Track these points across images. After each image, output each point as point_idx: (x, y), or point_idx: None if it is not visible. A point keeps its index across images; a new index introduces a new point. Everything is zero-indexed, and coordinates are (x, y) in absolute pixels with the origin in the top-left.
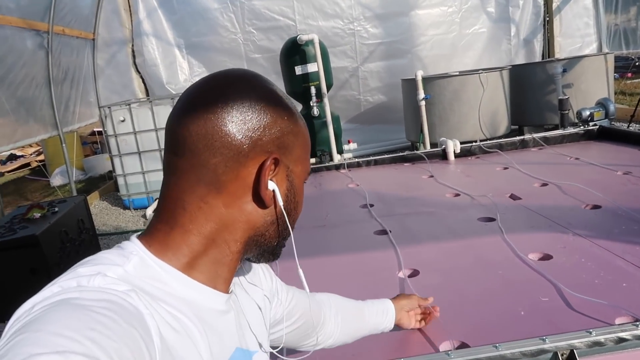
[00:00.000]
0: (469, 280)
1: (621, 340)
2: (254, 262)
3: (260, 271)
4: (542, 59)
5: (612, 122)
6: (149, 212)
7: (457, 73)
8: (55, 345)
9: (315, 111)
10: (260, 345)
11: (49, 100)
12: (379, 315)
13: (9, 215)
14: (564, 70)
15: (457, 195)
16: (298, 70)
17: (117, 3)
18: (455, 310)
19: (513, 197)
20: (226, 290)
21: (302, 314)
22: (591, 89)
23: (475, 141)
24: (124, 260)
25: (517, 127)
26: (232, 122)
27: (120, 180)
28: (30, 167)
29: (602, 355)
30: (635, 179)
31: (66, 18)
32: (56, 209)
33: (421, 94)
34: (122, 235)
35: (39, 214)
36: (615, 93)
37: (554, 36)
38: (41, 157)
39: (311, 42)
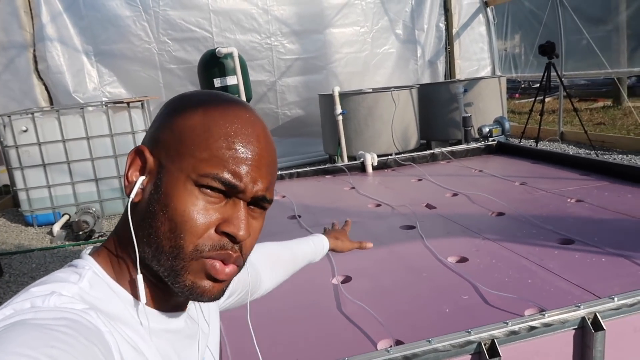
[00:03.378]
0: (397, 284)
1: (532, 328)
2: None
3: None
4: (445, 79)
5: (508, 138)
6: (56, 228)
7: (371, 90)
8: None
9: None
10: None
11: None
12: (312, 254)
13: None
14: (465, 90)
15: (379, 205)
16: (217, 82)
17: (16, 5)
18: (389, 311)
19: (429, 206)
20: (181, 308)
21: (242, 288)
22: (488, 107)
23: (391, 154)
24: (77, 278)
25: (425, 141)
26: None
27: (22, 195)
28: None
29: (518, 343)
30: (530, 189)
31: None
32: None
33: (338, 109)
34: (25, 254)
35: None
36: (507, 112)
37: (455, 59)
38: None
39: (230, 55)
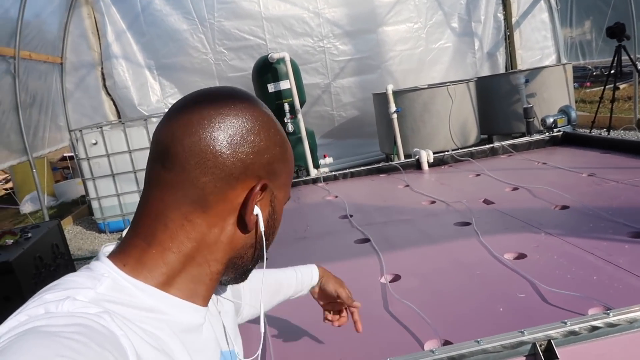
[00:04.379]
0: (448, 282)
1: (594, 328)
2: (224, 284)
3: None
4: (506, 70)
5: (575, 128)
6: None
7: (426, 86)
8: None
9: (290, 127)
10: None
11: (17, 125)
12: (298, 285)
13: None
14: (527, 81)
15: (433, 202)
16: (271, 87)
17: (84, 27)
18: (437, 311)
19: (486, 201)
20: (204, 304)
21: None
22: (553, 97)
23: (448, 151)
24: (94, 283)
25: (486, 136)
26: (228, 143)
27: (95, 204)
28: None
29: (577, 344)
30: (599, 180)
31: (32, 43)
32: (29, 235)
33: (392, 107)
34: None
35: (12, 241)
36: (577, 101)
37: (515, 49)
38: (9, 185)
39: (282, 60)
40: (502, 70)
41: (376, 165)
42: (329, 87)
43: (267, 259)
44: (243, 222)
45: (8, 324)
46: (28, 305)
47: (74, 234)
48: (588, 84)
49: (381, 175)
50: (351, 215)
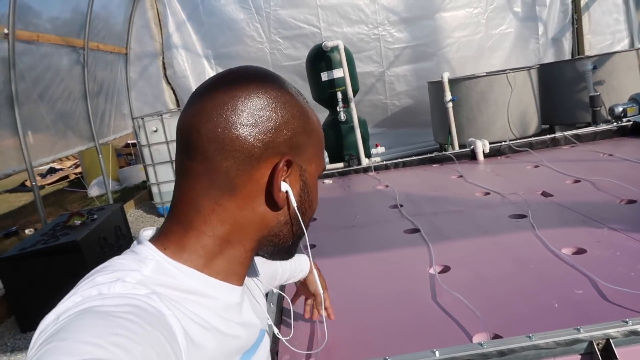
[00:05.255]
0: (500, 276)
1: None
2: (268, 259)
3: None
4: (572, 57)
5: None
6: None
7: (484, 74)
8: (81, 352)
9: (342, 116)
10: (268, 321)
11: (85, 113)
12: (291, 273)
13: (51, 223)
14: (594, 67)
15: (487, 194)
16: (324, 76)
17: (147, 18)
18: (488, 304)
19: (545, 194)
20: (240, 283)
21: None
22: (623, 85)
23: (505, 141)
24: (140, 265)
25: (547, 126)
26: (244, 124)
27: (154, 189)
28: (68, 180)
29: (639, 345)
30: None
31: (100, 34)
32: (95, 217)
33: (448, 96)
34: None
35: (79, 221)
36: None
37: (583, 34)
38: (78, 170)
39: (336, 48)
40: (567, 57)
41: (429, 155)
42: (383, 76)
43: (306, 234)
44: (273, 200)
45: (65, 304)
46: (81, 287)
47: (135, 217)
48: None
49: (434, 165)
50: (401, 205)
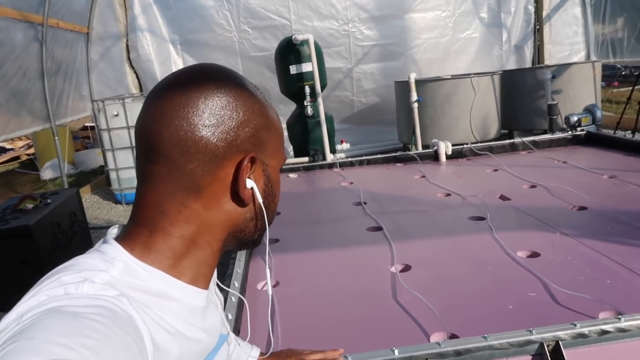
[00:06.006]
0: (459, 276)
1: (604, 332)
2: (235, 250)
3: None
4: (532, 65)
5: (599, 129)
6: None
7: (450, 77)
8: (50, 352)
9: (309, 110)
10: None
11: (41, 93)
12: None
13: (0, 206)
14: (553, 77)
15: (448, 195)
16: (293, 69)
17: None
18: (446, 304)
19: (503, 197)
20: (206, 286)
21: None
22: (579, 95)
23: (467, 143)
24: (108, 266)
25: (507, 131)
26: (206, 125)
27: (113, 175)
28: (19, 161)
29: (586, 347)
30: (620, 183)
31: (61, 11)
32: (49, 201)
33: (414, 96)
34: None
35: (32, 205)
36: (602, 101)
37: (544, 43)
38: (31, 151)
39: (306, 42)
40: (529, 64)
41: (393, 154)
42: (351, 72)
43: (267, 229)
44: (239, 198)
45: (28, 304)
46: (45, 286)
47: (91, 203)
48: (616, 83)
49: (398, 165)
50: (365, 203)
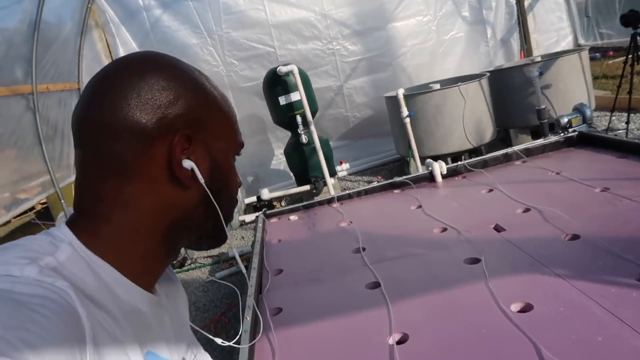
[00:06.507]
0: (455, 345)
1: None
2: (196, 249)
3: (182, 291)
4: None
5: (591, 127)
6: None
7: (438, 86)
8: None
9: (304, 138)
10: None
11: (42, 159)
12: None
13: None
14: (541, 73)
15: (444, 230)
16: (282, 100)
17: (97, 50)
18: None
19: (497, 228)
20: (151, 286)
21: None
22: (569, 87)
23: (462, 157)
24: (54, 249)
25: (503, 129)
26: (130, 105)
27: None
28: (35, 211)
29: None
30: (611, 197)
31: (48, 75)
32: None
33: (404, 112)
34: None
35: None
36: (598, 77)
37: (530, 33)
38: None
39: (291, 72)
40: (517, 57)
41: (390, 181)
42: (341, 89)
43: (221, 214)
44: (178, 180)
45: None
46: None
47: None
48: (611, 52)
49: (395, 192)
50: (364, 249)
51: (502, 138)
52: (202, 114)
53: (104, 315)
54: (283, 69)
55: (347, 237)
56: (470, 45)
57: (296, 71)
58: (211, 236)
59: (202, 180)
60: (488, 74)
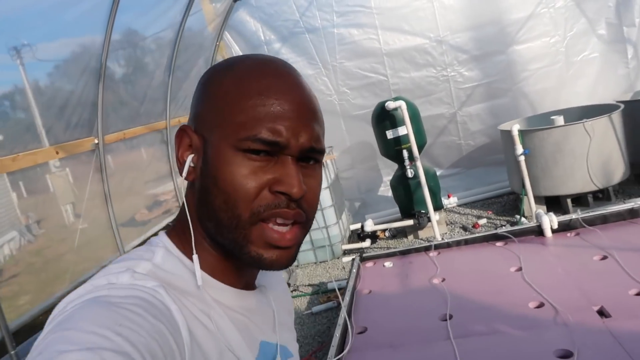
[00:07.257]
0: None
1: None
2: (250, 264)
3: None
4: None
5: None
6: None
7: (561, 119)
8: (85, 342)
9: (410, 173)
10: (287, 344)
11: (173, 191)
12: None
13: None
14: None
15: (541, 305)
16: (389, 134)
17: None
18: None
19: (601, 312)
20: (245, 283)
21: None
22: None
23: (577, 212)
24: (150, 255)
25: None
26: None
27: None
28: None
29: None
30: None
31: (182, 106)
32: None
33: (519, 149)
34: None
35: None
36: None
37: None
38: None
39: (399, 107)
40: None
41: (493, 232)
42: (454, 117)
43: (215, 213)
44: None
45: (77, 291)
46: (97, 275)
47: None
48: None
49: (497, 244)
50: (451, 317)
51: (636, 181)
52: (201, 108)
53: (199, 309)
54: (391, 105)
55: (437, 297)
56: (607, 67)
57: (404, 107)
58: (227, 235)
59: (184, 174)
60: (622, 105)
